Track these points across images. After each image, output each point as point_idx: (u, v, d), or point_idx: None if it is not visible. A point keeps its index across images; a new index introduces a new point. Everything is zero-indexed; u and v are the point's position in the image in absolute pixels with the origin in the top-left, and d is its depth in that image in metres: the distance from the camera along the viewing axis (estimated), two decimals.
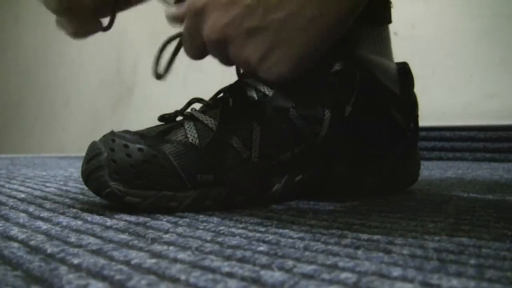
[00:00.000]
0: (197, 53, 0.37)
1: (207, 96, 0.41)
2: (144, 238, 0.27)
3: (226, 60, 0.36)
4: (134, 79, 1.97)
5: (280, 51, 0.31)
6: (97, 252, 0.23)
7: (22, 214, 0.34)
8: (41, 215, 0.34)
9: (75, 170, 0.77)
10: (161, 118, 0.39)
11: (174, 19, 0.37)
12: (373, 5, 0.38)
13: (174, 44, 0.39)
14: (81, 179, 0.37)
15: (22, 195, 0.44)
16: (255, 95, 0.38)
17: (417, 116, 0.48)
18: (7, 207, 0.37)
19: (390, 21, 0.46)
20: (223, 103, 0.39)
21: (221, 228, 0.29)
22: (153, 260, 0.22)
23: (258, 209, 0.36)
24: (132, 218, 0.32)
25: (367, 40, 0.44)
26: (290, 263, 0.21)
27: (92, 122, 2.03)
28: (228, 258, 0.22)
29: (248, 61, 0.32)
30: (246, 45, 0.31)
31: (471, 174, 0.70)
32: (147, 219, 0.32)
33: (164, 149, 0.35)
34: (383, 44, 0.46)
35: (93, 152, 0.35)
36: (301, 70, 0.32)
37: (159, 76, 0.39)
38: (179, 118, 0.39)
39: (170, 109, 0.40)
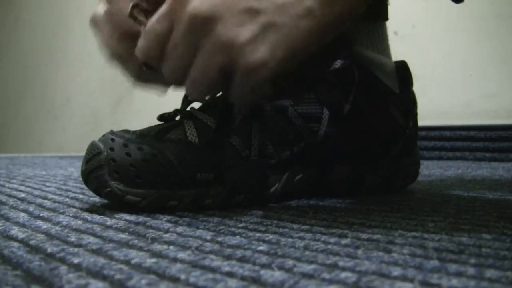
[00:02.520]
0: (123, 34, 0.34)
1: None
2: (144, 238, 0.27)
3: (189, 51, 0.31)
4: None
5: (270, 36, 0.29)
6: (97, 252, 0.23)
7: (22, 214, 0.34)
8: (41, 215, 0.34)
9: (75, 170, 0.77)
10: (161, 117, 0.39)
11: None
12: None
13: None
14: (81, 178, 0.37)
15: (22, 195, 0.44)
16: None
17: (416, 114, 0.48)
18: (7, 207, 0.37)
19: (386, 18, 0.46)
20: (222, 101, 0.39)
21: (221, 227, 0.29)
22: (153, 260, 0.22)
23: (258, 208, 0.36)
24: (132, 218, 0.32)
25: (362, 35, 0.44)
26: (290, 262, 0.21)
27: (92, 122, 2.03)
28: (228, 257, 0.22)
29: (232, 42, 0.29)
30: (237, 25, 0.29)
31: (471, 174, 0.70)
32: (147, 218, 0.32)
33: (163, 148, 0.35)
34: (379, 40, 0.46)
35: (93, 151, 0.35)
36: (286, 65, 0.29)
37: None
38: (178, 117, 0.39)
39: (169, 109, 0.40)
